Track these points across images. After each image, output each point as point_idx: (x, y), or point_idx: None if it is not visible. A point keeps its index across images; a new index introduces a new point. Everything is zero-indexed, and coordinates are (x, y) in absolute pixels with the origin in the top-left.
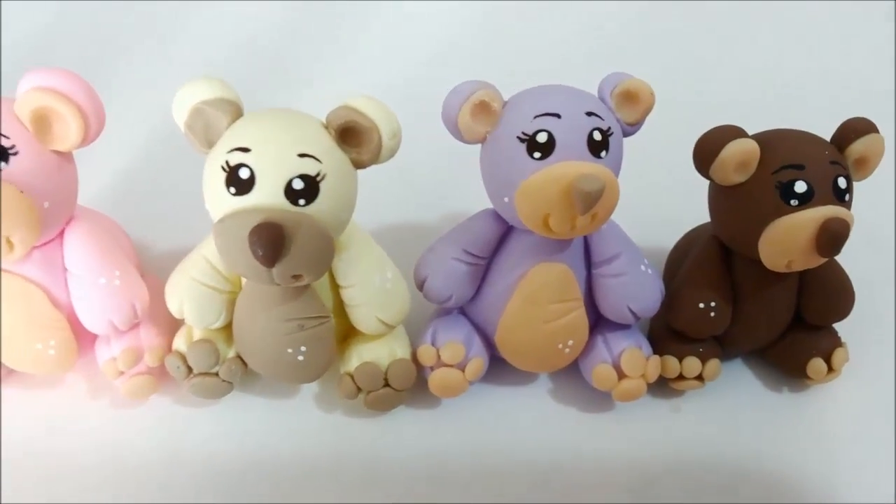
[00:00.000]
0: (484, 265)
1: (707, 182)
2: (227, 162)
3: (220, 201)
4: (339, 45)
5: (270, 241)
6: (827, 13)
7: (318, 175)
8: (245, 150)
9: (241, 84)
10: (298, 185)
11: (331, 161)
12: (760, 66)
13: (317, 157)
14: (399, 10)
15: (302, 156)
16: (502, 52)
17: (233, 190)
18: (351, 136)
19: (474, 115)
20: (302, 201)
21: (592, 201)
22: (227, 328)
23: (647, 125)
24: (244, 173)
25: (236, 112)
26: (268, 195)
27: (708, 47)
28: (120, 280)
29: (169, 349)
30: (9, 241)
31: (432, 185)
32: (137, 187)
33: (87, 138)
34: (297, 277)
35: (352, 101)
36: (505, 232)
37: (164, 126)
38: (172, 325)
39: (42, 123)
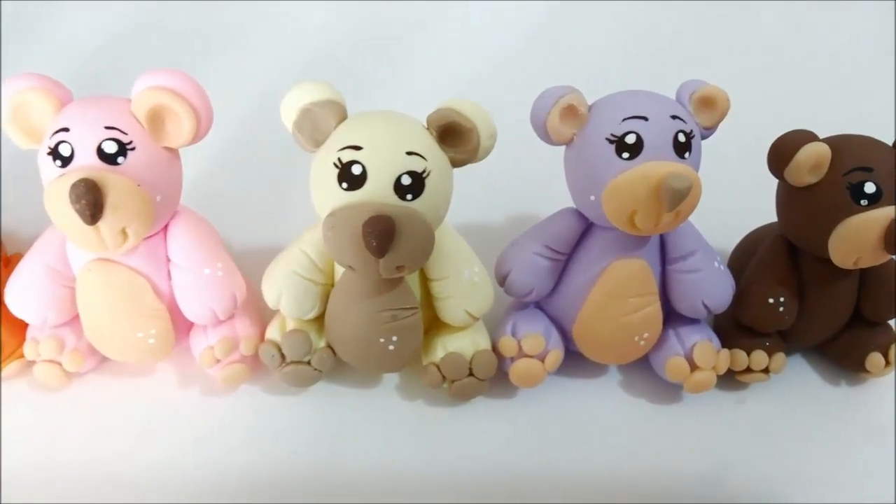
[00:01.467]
0: (563, 261)
1: (760, 185)
2: (339, 159)
3: (332, 196)
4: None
5: (383, 233)
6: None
7: (424, 172)
8: (357, 147)
9: None
10: (406, 181)
11: (434, 159)
12: (813, 67)
13: (423, 155)
14: (464, 11)
15: (410, 154)
16: (555, 56)
17: (345, 185)
18: (451, 136)
19: (562, 118)
20: (409, 196)
21: (680, 199)
22: (318, 320)
23: None
24: (356, 169)
25: (342, 113)
26: (378, 190)
27: (758, 49)
28: (222, 271)
29: (261, 339)
30: (124, 232)
31: (499, 184)
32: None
33: (197, 136)
34: (399, 269)
35: (452, 103)
36: (585, 229)
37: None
38: (262, 316)
39: (156, 121)
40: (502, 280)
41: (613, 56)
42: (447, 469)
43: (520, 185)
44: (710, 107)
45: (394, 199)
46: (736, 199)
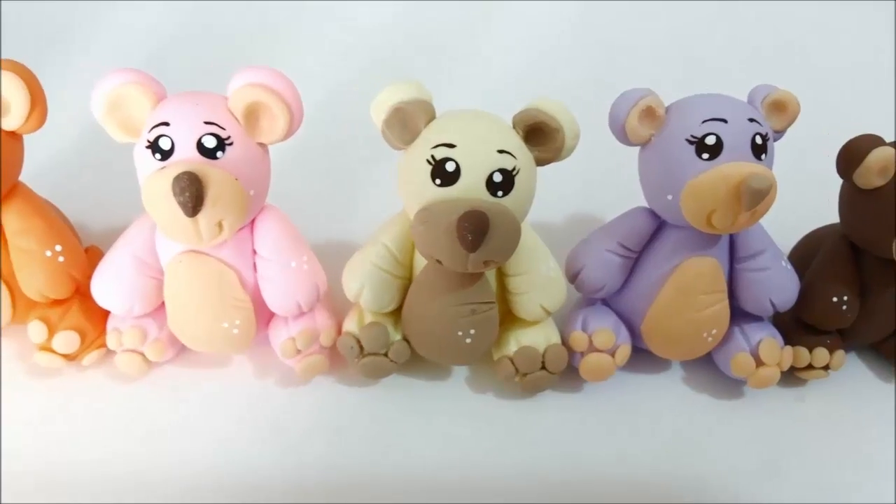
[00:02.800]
0: (634, 258)
1: (812, 185)
2: (432, 156)
3: (424, 192)
4: (456, 47)
5: (479, 228)
6: None
7: (513, 169)
8: (451, 145)
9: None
10: (498, 178)
11: (522, 157)
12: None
13: (513, 153)
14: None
15: (501, 152)
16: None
17: (438, 181)
18: (536, 135)
19: (641, 120)
20: (500, 193)
21: (760, 199)
22: (394, 313)
23: None
24: (450, 167)
25: (432, 112)
26: (471, 187)
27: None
28: (307, 264)
29: (338, 331)
30: (220, 225)
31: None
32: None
33: (289, 133)
34: (487, 264)
35: (539, 103)
36: (657, 228)
37: None
38: (336, 309)
39: (252, 117)
40: (574, 276)
41: (650, 57)
42: (516, 460)
43: (574, 184)
44: (782, 111)
45: (486, 195)
46: (789, 200)
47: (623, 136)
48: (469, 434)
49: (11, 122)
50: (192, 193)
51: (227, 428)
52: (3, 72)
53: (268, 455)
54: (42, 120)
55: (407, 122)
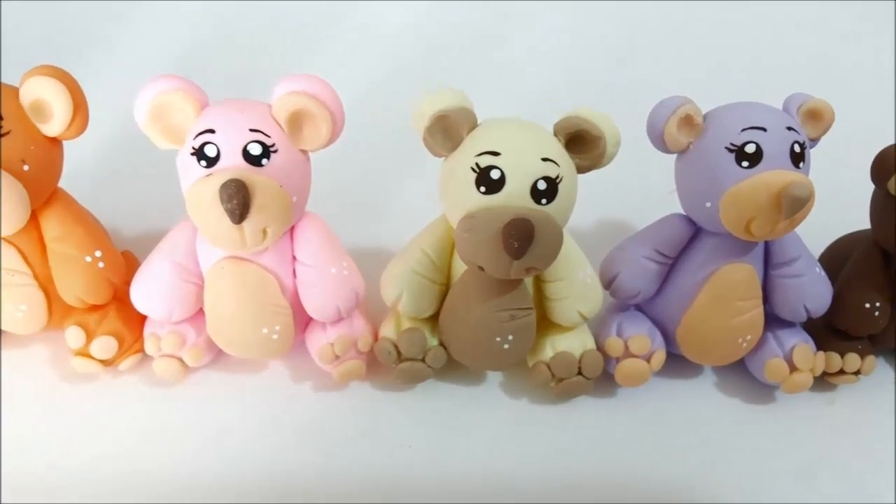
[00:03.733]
0: (669, 265)
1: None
2: (477, 164)
3: (468, 199)
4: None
5: (525, 235)
6: None
7: (557, 177)
8: (495, 153)
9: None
10: (542, 186)
11: (565, 165)
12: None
13: (556, 161)
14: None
15: (545, 160)
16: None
17: (483, 189)
18: (578, 143)
19: (679, 127)
20: (544, 201)
21: (800, 206)
22: (431, 318)
23: None
24: (495, 174)
25: (474, 120)
26: (516, 194)
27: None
28: (347, 270)
29: (374, 337)
30: (264, 232)
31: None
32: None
33: (330, 140)
34: (529, 270)
35: (580, 111)
36: (693, 234)
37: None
38: (370, 315)
39: (296, 125)
40: (609, 282)
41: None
42: (551, 465)
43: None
44: (817, 119)
45: (530, 203)
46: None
47: (661, 143)
48: (504, 439)
49: (53, 128)
50: (239, 201)
51: (263, 432)
52: (46, 78)
53: (304, 459)
54: (83, 126)
55: (450, 129)
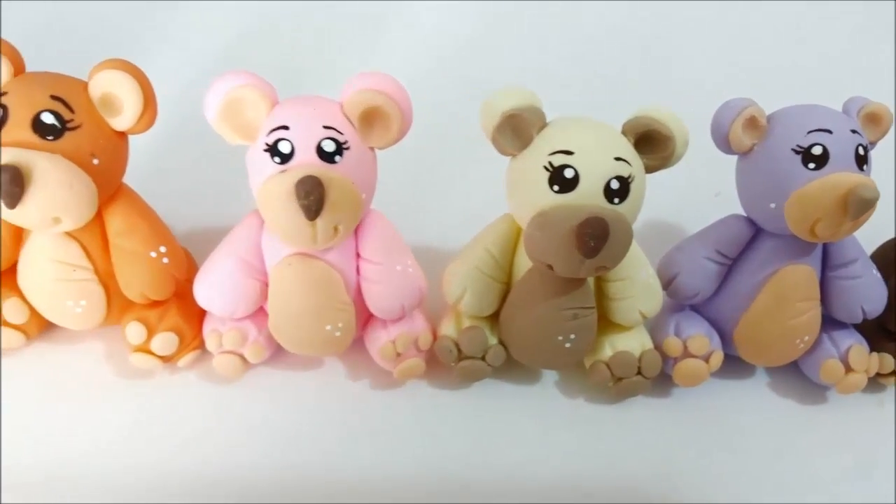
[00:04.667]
0: (728, 265)
1: None
2: (550, 163)
3: (540, 198)
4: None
5: (600, 234)
6: None
7: (629, 177)
8: (569, 152)
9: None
10: (615, 185)
11: (636, 164)
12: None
13: (628, 160)
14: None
15: (618, 159)
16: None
17: (556, 188)
18: (646, 142)
19: (744, 129)
20: (616, 200)
21: (867, 208)
22: (490, 317)
23: None
24: (569, 173)
25: (543, 119)
26: (590, 193)
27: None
28: (411, 268)
29: (434, 335)
30: (336, 229)
31: None
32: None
33: (399, 137)
34: (599, 269)
35: (649, 111)
36: (752, 235)
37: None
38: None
39: (367, 122)
40: (668, 282)
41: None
42: (608, 463)
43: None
44: (876, 123)
45: (603, 202)
46: None
47: (725, 145)
48: (560, 438)
49: (123, 122)
50: (316, 197)
51: (321, 430)
52: (118, 71)
53: (363, 457)
54: (152, 121)
55: (519, 128)
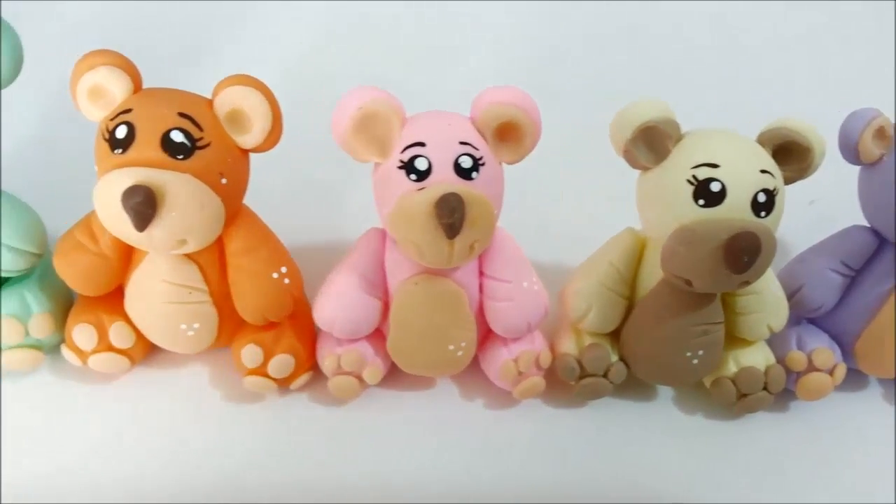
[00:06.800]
0: (852, 277)
1: None
2: (694, 176)
3: (684, 212)
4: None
5: (753, 249)
6: None
7: (774, 189)
8: (714, 165)
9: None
10: (762, 198)
11: (778, 176)
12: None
13: (772, 172)
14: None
15: (763, 172)
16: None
17: (702, 202)
18: (784, 154)
19: (874, 139)
20: (763, 213)
21: None
22: (609, 334)
23: None
24: (715, 186)
25: (679, 131)
26: (737, 207)
27: None
28: (536, 285)
29: (552, 353)
30: (472, 247)
31: None
32: None
33: (529, 152)
34: (742, 284)
35: (787, 122)
36: (877, 246)
37: None
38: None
39: (500, 137)
40: (791, 295)
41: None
42: (729, 480)
43: None
44: None
45: (750, 216)
46: None
47: (853, 155)
48: (683, 453)
49: (251, 140)
50: (460, 216)
51: (439, 449)
52: (247, 88)
53: (481, 475)
54: (277, 140)
55: (655, 141)
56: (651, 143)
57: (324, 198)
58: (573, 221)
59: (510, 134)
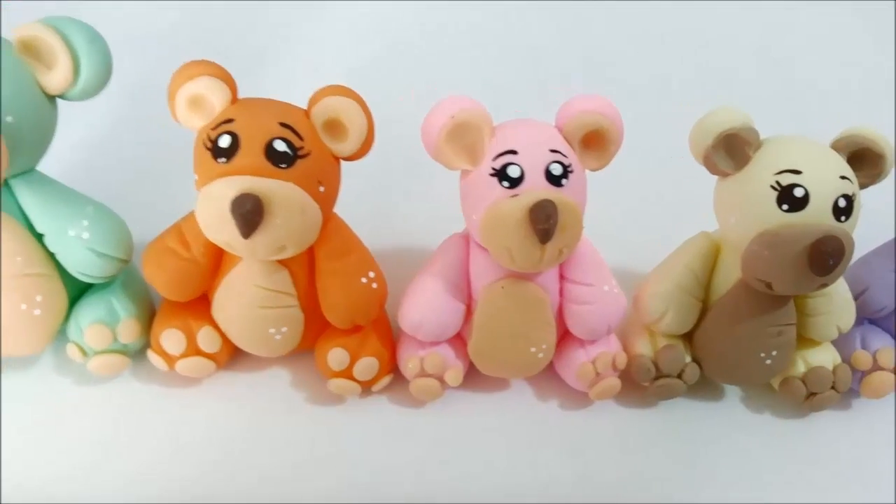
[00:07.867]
0: None
1: None
2: (777, 182)
3: (766, 217)
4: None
5: (838, 253)
6: None
7: (853, 195)
8: (797, 171)
9: None
10: (842, 203)
11: (855, 182)
12: None
13: (850, 178)
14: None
15: (843, 178)
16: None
17: (785, 207)
18: (857, 161)
19: None
20: (843, 218)
21: None
22: (683, 336)
23: None
24: (798, 192)
25: (759, 138)
26: (819, 212)
27: None
28: (616, 288)
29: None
30: (561, 252)
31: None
32: None
33: (611, 160)
34: (821, 286)
35: (859, 129)
36: None
37: None
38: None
39: (586, 144)
40: (857, 297)
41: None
42: (798, 475)
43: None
44: None
45: (832, 220)
46: None
47: None
48: (757, 451)
49: (346, 149)
50: (554, 222)
51: (516, 450)
52: (345, 98)
53: (559, 476)
54: (370, 148)
55: (735, 148)
56: (731, 150)
57: (384, 203)
58: (635, 226)
59: (595, 142)
